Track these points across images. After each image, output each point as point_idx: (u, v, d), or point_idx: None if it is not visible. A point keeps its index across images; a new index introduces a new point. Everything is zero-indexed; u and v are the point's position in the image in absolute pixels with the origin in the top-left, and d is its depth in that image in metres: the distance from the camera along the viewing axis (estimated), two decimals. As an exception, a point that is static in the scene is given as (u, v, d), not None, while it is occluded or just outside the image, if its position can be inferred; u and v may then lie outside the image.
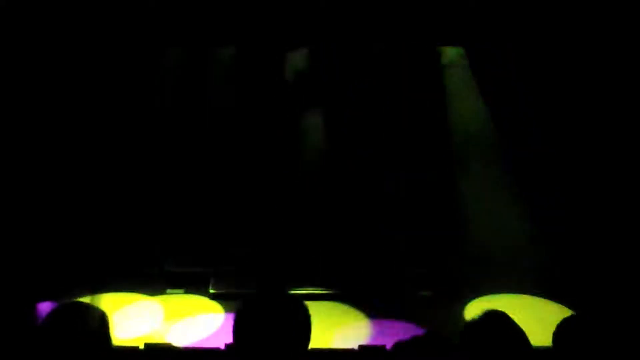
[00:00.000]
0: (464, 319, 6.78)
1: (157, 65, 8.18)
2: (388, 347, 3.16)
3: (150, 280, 7.93)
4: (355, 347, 5.54)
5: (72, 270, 7.32)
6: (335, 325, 7.01)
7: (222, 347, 4.92)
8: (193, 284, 7.91)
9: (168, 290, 7.87)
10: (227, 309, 7.33)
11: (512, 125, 7.88)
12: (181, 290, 7.90)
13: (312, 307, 2.84)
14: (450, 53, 8.33)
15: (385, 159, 8.39)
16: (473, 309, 7.04)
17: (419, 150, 8.38)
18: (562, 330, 3.08)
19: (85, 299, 3.09)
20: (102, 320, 2.94)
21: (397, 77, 8.29)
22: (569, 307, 6.97)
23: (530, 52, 7.52)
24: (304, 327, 2.77)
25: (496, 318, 2.98)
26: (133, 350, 5.26)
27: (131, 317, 7.19)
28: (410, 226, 8.30)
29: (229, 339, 2.82)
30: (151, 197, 8.23)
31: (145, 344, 5.42)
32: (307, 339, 2.77)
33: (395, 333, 6.31)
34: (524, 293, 7.55)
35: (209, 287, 7.81)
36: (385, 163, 8.39)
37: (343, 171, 8.45)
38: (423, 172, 8.38)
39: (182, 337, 6.80)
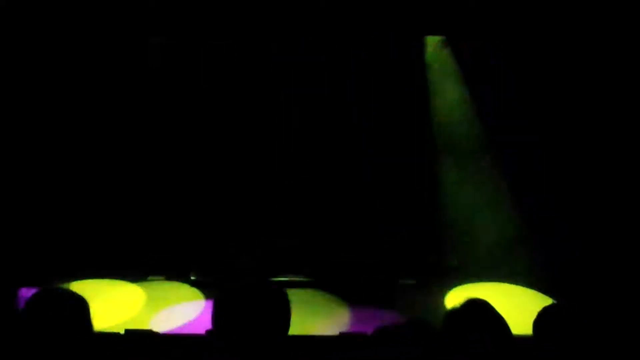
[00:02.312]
0: (445, 306, 6.81)
1: (145, 59, 8.11)
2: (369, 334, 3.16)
3: (132, 266, 7.91)
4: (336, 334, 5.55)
5: (53, 257, 7.29)
6: (315, 313, 7.02)
7: (203, 333, 4.91)
8: (174, 271, 7.89)
9: (149, 277, 7.85)
10: (208, 296, 7.32)
11: (497, 116, 7.89)
12: (162, 277, 7.88)
13: (292, 294, 2.83)
14: (434, 42, 8.32)
15: (368, 150, 8.38)
16: (454, 297, 7.08)
17: (402, 140, 8.37)
18: (542, 319, 3.10)
19: (65, 285, 3.07)
20: (82, 307, 2.92)
21: (380, 69, 8.28)
22: (550, 296, 7.01)
23: (517, 45, 7.53)
24: (284, 314, 2.75)
25: (477, 306, 2.99)
26: (114, 336, 5.25)
27: (112, 303, 7.17)
28: (392, 216, 8.31)
29: (209, 325, 2.81)
30: (134, 185, 8.18)
31: (126, 330, 5.41)
32: (287, 326, 2.75)
33: (377, 321, 6.31)
34: (505, 281, 7.59)
35: (190, 274, 7.79)
36: (367, 154, 8.37)
37: (324, 162, 8.44)
38: (404, 162, 8.37)
39: (163, 323, 6.79)
